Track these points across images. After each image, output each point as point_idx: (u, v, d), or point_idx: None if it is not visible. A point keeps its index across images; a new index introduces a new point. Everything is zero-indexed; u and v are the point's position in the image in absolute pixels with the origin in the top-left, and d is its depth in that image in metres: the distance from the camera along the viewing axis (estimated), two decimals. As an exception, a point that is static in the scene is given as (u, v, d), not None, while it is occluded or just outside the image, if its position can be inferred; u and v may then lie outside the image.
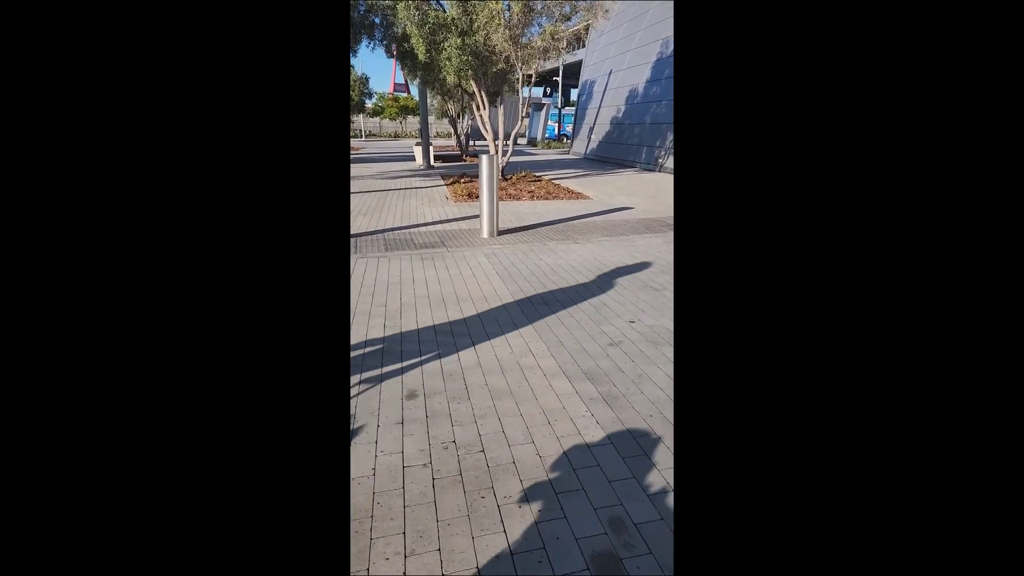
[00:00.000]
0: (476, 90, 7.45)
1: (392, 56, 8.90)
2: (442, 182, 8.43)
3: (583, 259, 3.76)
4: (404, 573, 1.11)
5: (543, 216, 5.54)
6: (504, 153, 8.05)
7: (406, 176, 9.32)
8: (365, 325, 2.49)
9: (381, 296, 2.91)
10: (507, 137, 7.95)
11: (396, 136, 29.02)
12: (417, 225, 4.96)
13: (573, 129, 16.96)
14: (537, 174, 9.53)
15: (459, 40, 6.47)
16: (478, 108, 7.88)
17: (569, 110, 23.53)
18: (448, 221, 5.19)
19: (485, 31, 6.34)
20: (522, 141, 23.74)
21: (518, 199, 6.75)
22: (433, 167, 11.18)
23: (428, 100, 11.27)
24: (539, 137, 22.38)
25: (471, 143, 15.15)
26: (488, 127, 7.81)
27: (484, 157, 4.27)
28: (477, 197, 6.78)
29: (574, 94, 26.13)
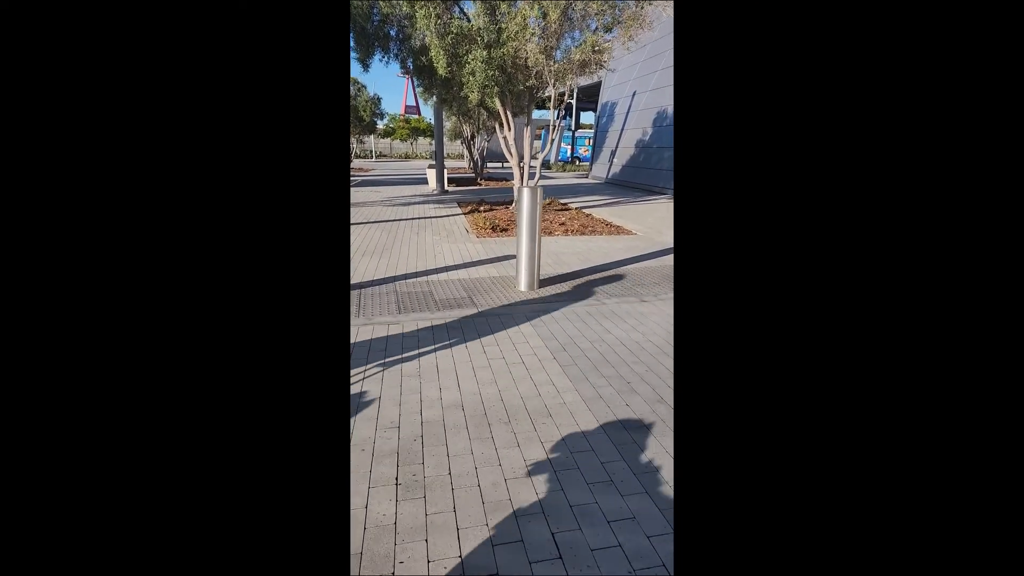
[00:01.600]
0: (501, 109, 6.61)
1: (407, 73, 8.15)
2: (459, 210, 7.54)
3: (667, 330, 2.78)
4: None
5: (587, 258, 4.59)
6: (531, 177, 7.18)
7: (419, 203, 8.46)
8: (366, 481, 1.51)
9: (391, 411, 1.93)
10: (523, 160, 7.07)
11: (407, 157, 28.54)
12: (436, 270, 4.02)
13: (592, 152, 16.20)
14: (562, 200, 8.63)
15: (484, 53, 5.65)
16: (503, 128, 7.04)
17: (582, 132, 22.94)
18: (473, 264, 4.24)
19: (516, 42, 5.52)
20: (535, 163, 23.06)
21: (550, 233, 5.82)
22: (447, 191, 10.35)
23: (443, 120, 10.50)
24: (552, 159, 21.72)
25: (485, 166, 14.38)
26: (513, 150, 6.95)
27: (525, 190, 3.35)
28: (503, 231, 5.86)
29: (585, 117, 25.65)
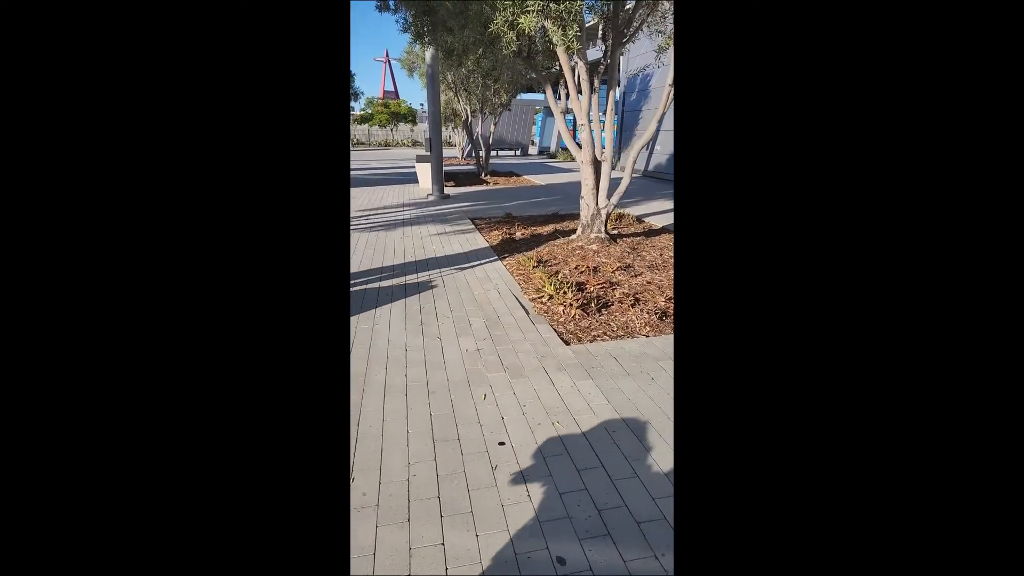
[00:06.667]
0: (564, 60, 3.49)
1: (384, 8, 4.93)
2: (481, 239, 4.44)
3: None
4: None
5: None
6: (609, 191, 4.09)
7: (410, 221, 5.30)
8: None
9: None
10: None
11: (387, 145, 24.96)
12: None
13: (619, 137, 13.09)
14: (631, 212, 5.61)
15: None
16: (567, 95, 3.95)
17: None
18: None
19: None
20: (533, 151, 19.83)
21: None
22: (447, 196, 7.19)
23: (439, 88, 7.24)
24: (552, 147, 18.53)
25: (489, 157, 11.15)
26: (587, 134, 3.85)
27: None
28: (605, 306, 2.55)
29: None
